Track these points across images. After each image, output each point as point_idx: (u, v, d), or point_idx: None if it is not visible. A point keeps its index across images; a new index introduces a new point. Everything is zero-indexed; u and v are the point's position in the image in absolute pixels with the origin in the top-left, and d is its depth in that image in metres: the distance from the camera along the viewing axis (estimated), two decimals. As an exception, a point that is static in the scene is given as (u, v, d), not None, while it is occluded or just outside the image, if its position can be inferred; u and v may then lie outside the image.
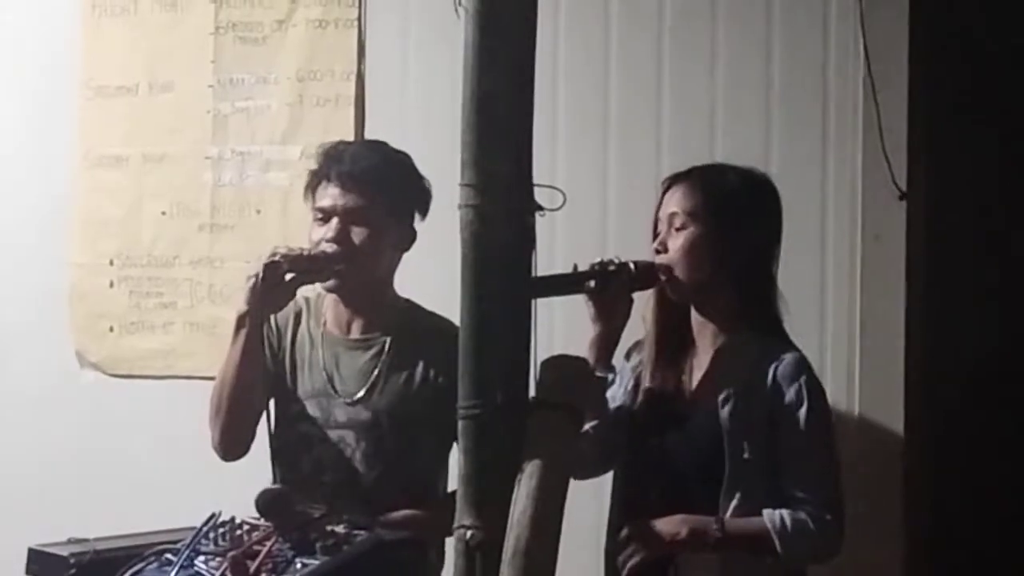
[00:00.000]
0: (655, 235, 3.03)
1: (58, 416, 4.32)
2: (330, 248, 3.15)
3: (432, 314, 3.30)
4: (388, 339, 3.23)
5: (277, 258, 3.09)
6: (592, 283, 2.97)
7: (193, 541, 2.66)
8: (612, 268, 2.97)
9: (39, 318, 4.38)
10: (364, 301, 3.24)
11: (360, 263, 3.17)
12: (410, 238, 3.28)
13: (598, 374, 2.97)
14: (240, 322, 3.13)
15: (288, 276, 3.10)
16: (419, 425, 3.19)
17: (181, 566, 2.62)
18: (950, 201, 3.81)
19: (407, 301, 3.32)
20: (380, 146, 3.34)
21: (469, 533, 2.61)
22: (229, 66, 4.27)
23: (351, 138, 4.04)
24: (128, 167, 4.34)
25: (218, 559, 2.62)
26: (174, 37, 4.32)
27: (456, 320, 2.71)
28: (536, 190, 2.68)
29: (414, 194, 3.26)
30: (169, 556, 2.67)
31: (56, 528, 2.88)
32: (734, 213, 2.97)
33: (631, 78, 3.89)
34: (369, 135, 4.08)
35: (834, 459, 2.95)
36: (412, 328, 3.26)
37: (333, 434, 3.19)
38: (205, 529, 2.69)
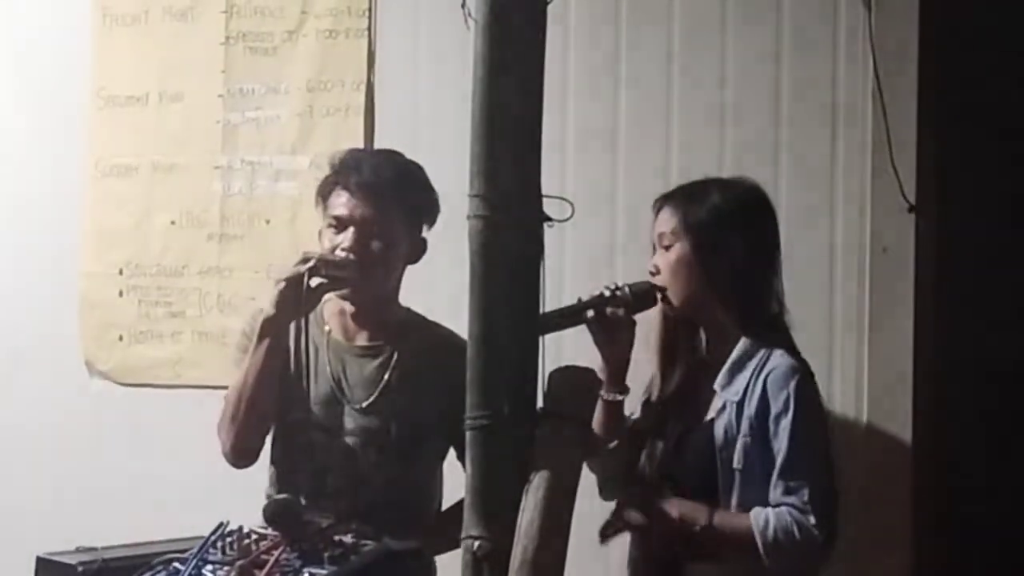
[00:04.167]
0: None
1: (67, 425, 4.32)
2: (349, 256, 3.14)
3: (435, 325, 3.33)
4: (395, 349, 3.23)
5: (312, 263, 3.07)
6: (590, 313, 3.03)
7: (201, 550, 2.67)
8: (607, 295, 3.03)
9: (49, 327, 4.39)
10: (373, 311, 3.24)
11: (375, 274, 3.17)
12: (420, 249, 3.29)
13: (606, 397, 3.03)
14: (265, 327, 3.12)
15: (315, 282, 3.08)
16: (423, 434, 3.21)
17: (189, 575, 2.63)
18: (959, 213, 3.80)
19: (409, 311, 3.33)
20: (395, 156, 3.33)
21: (476, 543, 2.61)
22: (239, 76, 4.28)
23: (361, 148, 4.05)
24: (138, 177, 4.35)
25: (226, 568, 2.62)
26: (184, 47, 4.32)
27: (459, 332, 2.71)
28: (545, 201, 2.68)
29: (426, 205, 3.27)
30: (177, 565, 2.68)
31: (64, 537, 2.88)
32: (715, 229, 3.02)
33: (640, 89, 3.89)
34: (379, 145, 4.07)
35: (823, 467, 2.97)
36: (417, 339, 3.27)
37: (340, 441, 3.19)
38: (213, 538, 2.69)
